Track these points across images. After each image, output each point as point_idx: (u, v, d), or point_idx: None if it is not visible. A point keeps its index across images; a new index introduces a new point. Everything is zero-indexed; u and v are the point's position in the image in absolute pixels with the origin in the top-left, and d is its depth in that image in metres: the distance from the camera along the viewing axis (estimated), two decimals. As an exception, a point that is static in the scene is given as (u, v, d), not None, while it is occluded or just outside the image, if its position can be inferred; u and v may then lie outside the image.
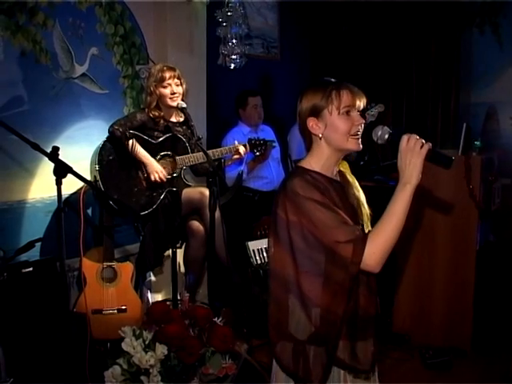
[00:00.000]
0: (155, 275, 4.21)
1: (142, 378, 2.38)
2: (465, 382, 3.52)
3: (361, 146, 1.93)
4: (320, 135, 1.92)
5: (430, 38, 5.70)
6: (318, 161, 1.94)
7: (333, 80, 1.95)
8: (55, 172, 2.47)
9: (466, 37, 5.66)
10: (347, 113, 1.89)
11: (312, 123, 1.92)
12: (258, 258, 4.19)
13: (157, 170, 3.67)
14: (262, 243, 4.23)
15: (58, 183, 2.46)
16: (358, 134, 1.91)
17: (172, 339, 2.42)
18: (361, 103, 1.92)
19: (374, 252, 1.77)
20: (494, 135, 5.22)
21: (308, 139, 1.98)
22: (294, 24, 6.04)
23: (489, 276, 4.05)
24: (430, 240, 4.01)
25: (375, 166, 4.61)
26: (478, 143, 3.98)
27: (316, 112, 1.91)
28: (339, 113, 1.88)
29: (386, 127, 1.90)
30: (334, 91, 1.88)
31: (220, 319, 2.64)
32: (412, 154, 1.77)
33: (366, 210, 2.03)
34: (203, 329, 2.54)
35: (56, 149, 2.48)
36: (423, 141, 1.79)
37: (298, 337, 1.88)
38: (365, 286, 1.93)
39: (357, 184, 2.07)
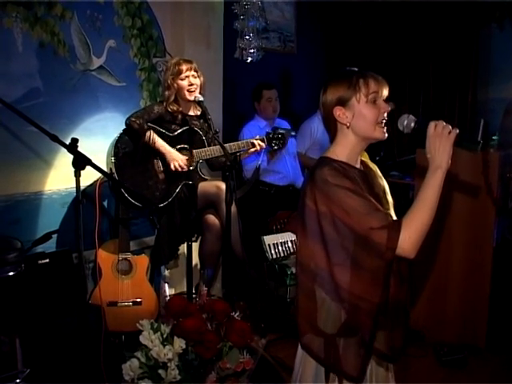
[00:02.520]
0: (170, 268, 4.22)
1: (160, 371, 2.38)
2: (480, 380, 3.50)
3: (386, 135, 1.93)
4: (348, 124, 1.91)
5: (448, 33, 5.65)
6: (344, 150, 1.94)
7: (355, 69, 1.94)
8: (74, 164, 2.48)
9: (485, 32, 5.60)
10: (374, 101, 1.89)
11: (339, 112, 1.91)
12: (273, 252, 4.19)
13: (176, 158, 3.67)
14: (278, 238, 4.23)
15: (77, 175, 2.46)
16: (383, 123, 1.91)
17: (190, 333, 2.42)
18: (385, 91, 1.92)
19: (410, 236, 1.75)
20: (511, 132, 5.15)
21: (333, 129, 1.97)
22: (311, 18, 6.02)
23: (505, 274, 4.01)
24: (446, 236, 3.98)
25: (391, 162, 4.58)
26: (494, 137, 3.94)
27: (343, 101, 1.90)
28: (367, 101, 1.88)
29: (411, 116, 1.90)
30: (361, 79, 1.88)
31: (238, 314, 2.63)
32: (441, 139, 1.79)
33: (389, 199, 2.02)
34: (221, 323, 2.53)
35: (75, 140, 2.48)
36: (450, 126, 1.81)
37: (327, 331, 1.88)
38: (395, 274, 1.90)
39: (379, 173, 2.08)
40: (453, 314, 4.02)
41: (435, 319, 4.05)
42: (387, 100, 1.94)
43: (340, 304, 1.86)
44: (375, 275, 1.82)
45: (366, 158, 2.08)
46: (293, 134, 4.73)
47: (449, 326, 4.02)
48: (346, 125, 1.91)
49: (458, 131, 1.80)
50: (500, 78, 5.54)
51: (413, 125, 1.89)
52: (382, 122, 1.91)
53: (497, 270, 3.92)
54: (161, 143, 3.65)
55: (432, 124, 1.82)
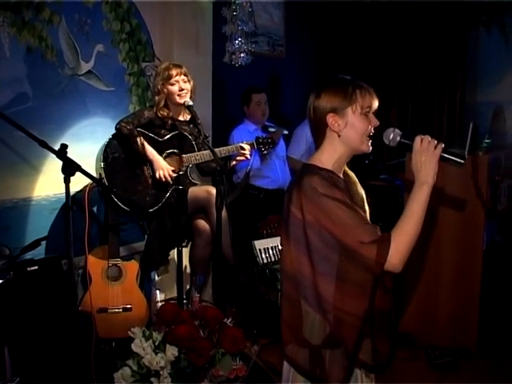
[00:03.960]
0: (160, 274, 4.20)
1: (152, 379, 2.35)
2: (471, 383, 3.51)
3: (371, 148, 1.94)
4: (339, 133, 1.90)
5: (437, 37, 5.69)
6: (330, 159, 1.92)
7: (349, 78, 1.94)
8: (64, 170, 2.45)
9: (473, 35, 5.64)
10: (366, 113, 1.90)
11: (332, 119, 1.89)
12: (264, 256, 4.18)
13: (162, 167, 3.65)
14: (268, 242, 4.22)
15: (67, 181, 2.44)
16: (370, 136, 1.92)
17: (182, 340, 2.40)
18: (376, 104, 1.93)
19: (398, 252, 1.76)
20: (500, 135, 5.19)
21: (321, 136, 1.94)
22: (300, 22, 6.02)
23: (495, 276, 4.03)
24: (436, 240, 3.98)
25: (381, 165, 4.59)
26: (487, 141, 3.96)
27: (338, 109, 1.88)
28: (361, 112, 1.88)
29: (397, 130, 1.91)
30: (358, 90, 1.88)
31: (230, 320, 2.62)
32: (427, 154, 1.79)
33: (367, 208, 2.02)
34: (213, 330, 2.52)
35: (65, 146, 2.46)
36: (435, 141, 1.81)
37: (312, 342, 1.86)
38: (380, 287, 1.90)
39: (358, 182, 2.07)
40: (443, 317, 4.02)
41: (426, 322, 4.06)
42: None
43: (324, 316, 1.85)
44: (361, 288, 1.83)
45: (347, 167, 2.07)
46: (285, 132, 4.73)
47: (440, 329, 4.03)
48: (337, 133, 1.90)
49: (443, 146, 1.81)
50: (487, 81, 5.59)
51: (398, 139, 1.90)
52: (369, 136, 1.92)
53: (487, 273, 3.93)
54: (150, 151, 3.63)
55: (418, 139, 1.82)
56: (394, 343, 1.98)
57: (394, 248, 1.75)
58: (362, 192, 2.04)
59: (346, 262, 1.81)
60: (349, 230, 1.78)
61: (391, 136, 1.90)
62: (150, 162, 3.66)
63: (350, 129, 1.89)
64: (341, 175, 1.96)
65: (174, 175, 3.69)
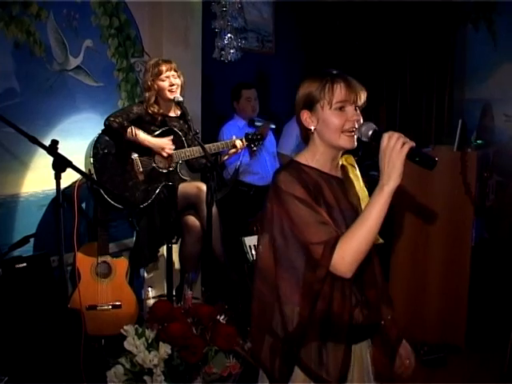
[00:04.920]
0: (150, 271, 4.18)
1: (146, 377, 2.34)
2: (460, 379, 3.54)
3: (355, 144, 1.83)
4: (312, 129, 1.85)
5: (425, 34, 5.71)
6: (313, 155, 1.87)
7: (333, 72, 1.84)
8: (54, 166, 2.42)
9: (461, 33, 5.67)
10: (340, 108, 1.80)
11: (306, 116, 1.85)
12: (254, 253, 4.15)
13: (163, 145, 3.64)
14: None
15: (57, 177, 2.41)
16: (352, 131, 1.81)
17: (175, 338, 2.38)
18: (358, 98, 1.81)
19: (343, 257, 1.69)
20: (488, 132, 5.22)
21: (304, 132, 1.91)
22: (289, 18, 6.02)
23: (483, 273, 4.06)
24: (425, 236, 4.01)
25: (370, 162, 4.59)
26: (477, 141, 3.99)
27: (309, 105, 1.84)
28: (331, 107, 1.80)
29: (371, 123, 1.80)
30: (328, 84, 1.80)
31: (222, 317, 2.61)
32: (391, 153, 1.65)
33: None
34: (206, 327, 2.50)
35: (55, 142, 2.43)
36: (405, 139, 1.67)
37: (279, 333, 1.81)
38: (339, 292, 1.81)
39: (360, 181, 1.98)
40: (432, 313, 4.05)
41: (415, 319, 4.08)
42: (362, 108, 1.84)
43: (280, 312, 1.79)
44: (309, 289, 1.76)
45: (349, 162, 1.99)
46: (272, 126, 4.71)
47: (428, 325, 4.06)
48: (310, 130, 1.86)
49: (412, 145, 1.66)
50: (476, 78, 5.63)
51: (370, 133, 1.77)
52: (350, 131, 1.81)
53: (475, 270, 3.96)
54: (144, 137, 3.61)
55: (385, 136, 1.68)
56: (348, 357, 1.83)
57: (339, 253, 1.69)
58: (361, 191, 1.95)
59: (301, 258, 1.76)
60: (302, 228, 1.74)
61: (363, 129, 1.79)
62: (148, 148, 3.64)
63: (323, 125, 1.82)
64: (331, 171, 1.89)
65: (164, 171, 3.68)
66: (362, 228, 1.70)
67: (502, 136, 5.25)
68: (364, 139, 1.80)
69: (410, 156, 1.66)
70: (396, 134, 1.68)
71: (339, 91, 1.79)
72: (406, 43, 5.81)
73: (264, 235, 1.85)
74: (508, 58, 5.42)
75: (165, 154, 3.65)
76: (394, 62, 5.89)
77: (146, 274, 4.29)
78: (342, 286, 1.81)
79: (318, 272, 1.72)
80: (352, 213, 1.86)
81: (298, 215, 1.75)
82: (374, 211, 1.69)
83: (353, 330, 1.85)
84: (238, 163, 4.12)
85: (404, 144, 1.65)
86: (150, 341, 2.40)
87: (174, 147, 3.67)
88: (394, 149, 1.65)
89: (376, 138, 1.75)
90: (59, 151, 2.57)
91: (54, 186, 2.50)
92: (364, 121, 1.83)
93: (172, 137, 3.70)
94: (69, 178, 3.38)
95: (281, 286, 1.79)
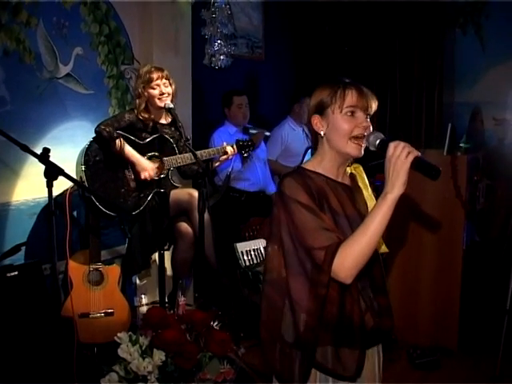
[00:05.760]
0: (142, 278, 4.17)
1: (140, 384, 2.34)
2: (453, 381, 3.55)
3: (362, 153, 1.85)
4: (322, 134, 1.88)
5: (413, 38, 5.75)
6: (320, 161, 1.91)
7: (345, 79, 1.89)
8: (46, 174, 2.42)
9: (449, 37, 5.70)
10: (351, 113, 1.84)
11: (316, 121, 1.89)
12: (246, 259, 4.17)
13: (146, 167, 3.62)
14: (251, 245, 4.22)
15: (49, 185, 2.40)
16: (360, 138, 1.83)
17: (169, 345, 2.38)
18: (369, 105, 1.85)
19: (343, 263, 1.71)
20: (478, 135, 5.26)
21: (314, 138, 1.95)
22: (278, 24, 6.04)
23: (475, 276, 4.08)
24: (416, 240, 4.02)
25: (363, 167, 4.60)
26: (465, 145, 4.01)
27: (320, 110, 1.88)
28: (341, 112, 1.83)
29: (379, 133, 1.82)
30: (340, 89, 1.84)
31: (216, 323, 2.61)
32: (396, 162, 1.67)
33: None
34: (200, 333, 2.50)
35: (47, 150, 2.43)
36: (411, 149, 1.69)
37: (286, 339, 1.85)
38: (349, 296, 1.85)
39: (369, 189, 1.98)
40: (424, 316, 4.06)
41: (407, 322, 4.08)
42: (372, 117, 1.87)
43: (293, 315, 1.83)
44: (318, 293, 1.79)
45: (358, 171, 1.99)
46: (267, 133, 4.74)
47: (421, 328, 4.07)
48: (320, 134, 1.89)
49: (417, 155, 1.68)
50: (465, 82, 5.66)
51: (377, 143, 1.78)
52: (357, 137, 1.83)
53: (466, 272, 3.98)
54: (131, 153, 3.60)
55: (391, 145, 1.70)
56: (363, 356, 1.87)
57: (340, 260, 1.71)
58: (369, 199, 1.95)
59: (310, 263, 1.78)
60: (305, 233, 1.77)
61: (371, 139, 1.81)
62: (131, 164, 3.63)
63: (332, 130, 1.85)
64: (338, 178, 1.91)
65: (156, 178, 3.67)
66: (364, 235, 1.72)
67: (492, 139, 5.29)
68: (372, 148, 1.82)
69: (415, 165, 1.69)
70: (402, 144, 1.70)
71: (350, 96, 1.84)
72: (395, 48, 5.85)
73: (272, 240, 1.89)
74: (496, 62, 5.46)
75: (142, 177, 3.61)
76: (383, 67, 5.92)
77: (138, 281, 4.28)
78: (350, 290, 1.85)
79: (321, 277, 1.75)
80: (358, 220, 1.86)
81: (301, 220, 1.78)
82: (376, 218, 1.71)
83: (365, 335, 1.88)
84: (230, 169, 4.12)
85: (409, 153, 1.68)
86: (143, 348, 2.39)
87: (157, 174, 3.66)
88: (399, 158, 1.68)
89: (383, 147, 1.76)
90: (50, 159, 2.57)
91: (45, 194, 2.49)
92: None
93: (158, 164, 3.68)
94: (60, 185, 3.38)
95: (292, 290, 1.82)
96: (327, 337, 1.84)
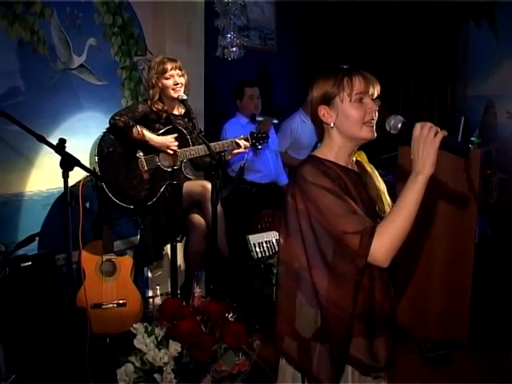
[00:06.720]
0: (154, 269, 4.19)
1: (156, 375, 2.34)
2: (464, 375, 3.54)
3: (375, 135, 1.85)
4: (332, 124, 1.86)
5: (427, 31, 5.69)
6: (331, 150, 1.88)
7: (344, 66, 1.87)
8: (62, 165, 2.42)
9: (463, 30, 5.66)
10: (360, 100, 1.83)
11: (323, 112, 1.87)
12: (258, 251, 4.17)
13: (168, 144, 3.65)
14: (263, 237, 4.22)
15: (65, 176, 2.41)
16: (371, 122, 1.84)
17: (185, 336, 2.38)
18: (374, 90, 1.85)
19: (383, 245, 1.68)
20: (491, 129, 5.23)
21: (320, 128, 1.92)
22: (291, 16, 6.01)
23: (487, 270, 4.06)
24: (428, 233, 4.00)
25: (374, 159, 4.59)
26: (476, 139, 3.99)
27: (327, 100, 1.85)
28: (351, 100, 1.82)
29: (399, 116, 1.82)
30: (346, 77, 1.82)
31: (231, 315, 2.61)
32: (425, 142, 1.69)
33: (387, 200, 1.96)
34: (216, 325, 2.50)
35: (63, 141, 2.44)
36: (438, 128, 1.70)
37: (303, 334, 1.83)
38: (379, 281, 1.85)
39: (377, 174, 2.00)
40: (436, 310, 4.05)
41: (418, 316, 4.08)
42: (378, 99, 1.86)
43: (316, 309, 1.80)
44: (349, 280, 1.76)
45: (363, 157, 2.02)
46: (275, 121, 4.72)
47: (432, 322, 4.05)
48: (330, 125, 1.87)
49: (445, 134, 1.70)
50: (478, 75, 5.61)
51: (399, 125, 1.80)
52: (369, 122, 1.84)
53: (478, 266, 3.96)
54: (149, 136, 3.62)
55: (418, 126, 1.72)
56: (394, 343, 1.90)
57: (378, 241, 1.68)
58: (380, 184, 1.98)
59: (335, 252, 1.75)
60: (334, 219, 1.73)
61: (392, 122, 1.81)
62: (153, 147, 3.65)
63: (343, 118, 1.84)
64: (348, 165, 1.90)
65: (169, 170, 3.68)
66: (400, 216, 1.70)
67: (505, 133, 5.26)
68: (393, 132, 1.83)
69: (443, 145, 1.70)
70: (428, 124, 1.72)
71: (358, 83, 1.82)
72: (408, 41, 5.80)
73: (287, 231, 1.85)
74: (510, 55, 5.41)
75: (170, 152, 3.65)
76: (396, 60, 5.88)
77: (149, 273, 4.30)
78: (380, 274, 1.85)
79: (357, 262, 1.72)
80: (371, 205, 1.88)
81: (328, 206, 1.74)
82: (410, 199, 1.71)
83: (395, 323, 1.91)
84: (244, 161, 4.10)
85: (437, 133, 1.69)
86: (159, 339, 2.40)
87: (177, 144, 3.68)
88: (428, 138, 1.69)
89: (406, 129, 1.77)
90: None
91: (58, 185, 2.52)
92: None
93: (176, 134, 3.70)
94: (73, 176, 3.39)
95: (314, 283, 1.79)
96: (358, 327, 1.82)
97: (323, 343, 1.82)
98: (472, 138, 4.10)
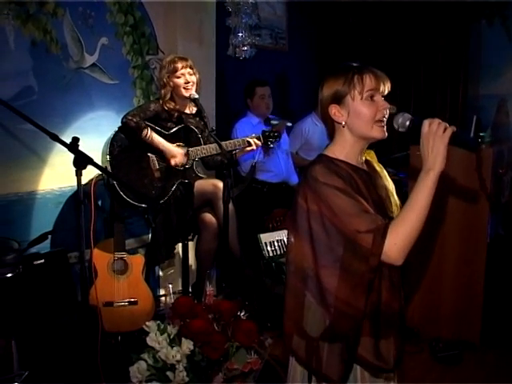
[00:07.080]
0: (165, 268, 4.20)
1: (168, 373, 2.35)
2: (475, 375, 3.52)
3: (386, 134, 1.84)
4: (343, 123, 1.84)
5: (438, 29, 5.67)
6: (342, 149, 1.87)
7: (354, 64, 1.86)
8: (75, 163, 2.44)
9: (475, 28, 5.63)
10: (371, 97, 1.81)
11: (334, 110, 1.85)
12: (269, 250, 4.17)
13: (175, 154, 3.66)
14: (274, 236, 4.22)
15: (78, 174, 2.43)
16: (383, 121, 1.83)
17: (197, 334, 2.38)
18: (385, 87, 1.83)
19: (395, 243, 1.67)
20: (503, 128, 5.20)
21: (330, 127, 1.91)
22: (302, 15, 6.01)
23: (499, 270, 4.04)
24: (440, 232, 3.98)
25: (385, 158, 4.58)
26: (486, 137, 3.96)
27: (338, 99, 1.83)
28: (362, 97, 1.80)
29: (406, 114, 1.81)
30: (357, 75, 1.81)
31: (243, 313, 2.61)
32: (434, 138, 1.68)
33: (395, 200, 1.95)
34: (228, 323, 2.51)
35: (76, 140, 2.45)
36: (446, 124, 1.69)
37: (311, 334, 1.82)
38: (387, 280, 1.84)
39: (385, 173, 2.00)
40: (447, 310, 4.03)
41: (430, 315, 4.07)
42: (388, 98, 1.85)
43: (325, 308, 1.79)
44: (361, 280, 1.75)
45: (372, 157, 2.01)
46: (288, 124, 4.72)
47: (443, 322, 4.04)
48: (341, 124, 1.85)
49: (454, 129, 1.69)
50: (490, 74, 5.58)
51: (408, 123, 1.79)
52: (381, 121, 1.82)
53: (490, 266, 3.94)
54: (158, 141, 3.63)
55: (426, 122, 1.71)
56: (402, 343, 1.90)
57: (391, 239, 1.67)
58: (388, 183, 1.97)
59: (347, 251, 1.74)
60: (346, 219, 1.72)
61: (400, 120, 1.80)
62: (160, 153, 3.66)
63: (354, 117, 1.82)
64: (358, 164, 1.89)
65: (181, 168, 3.69)
66: (412, 213, 1.70)
67: (517, 132, 5.24)
68: (401, 130, 1.82)
69: (453, 140, 1.69)
70: (437, 120, 1.70)
71: (369, 80, 1.81)
72: (420, 40, 5.78)
73: (296, 231, 1.84)
74: (523, 54, 5.39)
75: (172, 163, 3.66)
76: (408, 59, 5.86)
77: (161, 271, 4.31)
78: (389, 274, 1.83)
79: (369, 261, 1.71)
80: (380, 204, 1.86)
81: (340, 206, 1.73)
82: (422, 195, 1.70)
83: (403, 323, 1.89)
84: (254, 160, 4.11)
85: (446, 129, 1.68)
86: (172, 337, 2.41)
87: (184, 163, 3.70)
88: (437, 134, 1.68)
89: (414, 127, 1.77)
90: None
91: (70, 183, 2.54)
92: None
93: (186, 150, 3.71)
94: (85, 175, 3.41)
95: (324, 283, 1.78)
96: (365, 326, 1.82)
97: (331, 342, 1.81)
98: (482, 134, 4.07)
